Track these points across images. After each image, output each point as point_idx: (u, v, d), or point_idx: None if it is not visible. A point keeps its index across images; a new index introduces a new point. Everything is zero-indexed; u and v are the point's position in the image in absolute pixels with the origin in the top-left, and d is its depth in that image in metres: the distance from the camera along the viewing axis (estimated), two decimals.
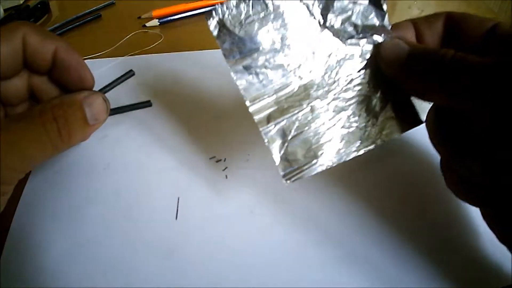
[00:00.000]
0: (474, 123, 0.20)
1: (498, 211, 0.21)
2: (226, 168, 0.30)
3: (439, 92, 0.20)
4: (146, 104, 0.26)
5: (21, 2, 0.53)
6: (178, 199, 0.28)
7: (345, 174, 0.30)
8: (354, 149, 0.22)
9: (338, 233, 0.26)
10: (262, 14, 0.22)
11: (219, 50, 0.22)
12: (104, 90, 0.26)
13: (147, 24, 0.49)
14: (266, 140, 0.22)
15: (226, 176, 0.30)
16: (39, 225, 0.27)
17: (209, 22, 0.21)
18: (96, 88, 0.27)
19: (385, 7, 0.23)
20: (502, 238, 0.22)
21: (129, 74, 0.26)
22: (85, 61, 0.41)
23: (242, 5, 0.22)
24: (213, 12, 0.21)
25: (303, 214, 0.27)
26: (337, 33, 0.23)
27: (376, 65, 0.23)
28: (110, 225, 0.27)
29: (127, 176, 0.30)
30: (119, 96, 0.36)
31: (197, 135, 0.33)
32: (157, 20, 0.49)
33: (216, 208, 0.28)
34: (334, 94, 0.23)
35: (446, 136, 0.22)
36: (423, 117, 0.23)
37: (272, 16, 0.22)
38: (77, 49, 0.26)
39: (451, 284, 0.24)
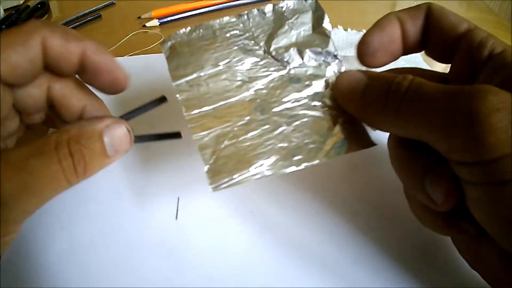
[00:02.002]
0: (436, 152, 0.18)
1: (466, 238, 0.20)
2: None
3: (396, 124, 0.19)
4: (175, 135, 0.24)
5: (21, 2, 0.53)
6: (178, 199, 0.28)
7: (346, 174, 0.30)
8: (294, 162, 0.21)
9: (338, 233, 0.26)
10: (209, 41, 0.24)
11: None
12: (128, 116, 0.23)
13: (147, 24, 0.49)
14: (198, 147, 0.21)
15: None
16: (39, 225, 0.27)
17: (163, 46, 0.24)
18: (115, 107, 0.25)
19: (330, 33, 0.24)
20: (474, 266, 0.21)
21: (160, 101, 0.23)
22: None
23: (194, 34, 0.24)
24: (169, 38, 0.24)
25: (303, 214, 0.27)
26: (281, 59, 0.24)
27: (323, 87, 0.23)
28: (110, 225, 0.27)
29: (127, 176, 0.30)
30: (120, 95, 0.36)
31: None
32: (157, 20, 0.49)
33: (216, 208, 0.28)
34: (276, 111, 0.23)
35: (405, 161, 0.21)
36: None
37: (218, 43, 0.24)
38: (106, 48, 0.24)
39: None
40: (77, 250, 0.26)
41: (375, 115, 0.20)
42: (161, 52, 0.45)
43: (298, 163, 0.21)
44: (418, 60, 0.41)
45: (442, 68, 0.30)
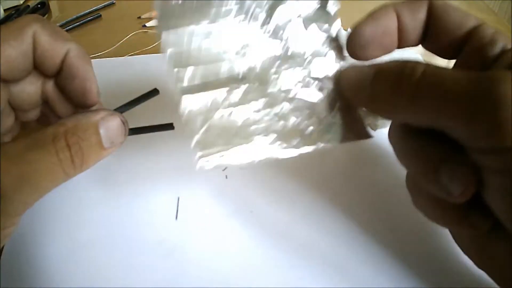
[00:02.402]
0: (450, 140, 0.18)
1: (476, 234, 0.20)
2: (226, 168, 0.30)
3: (410, 112, 0.18)
4: (168, 127, 0.24)
5: (21, 2, 0.53)
6: (178, 199, 0.28)
7: (348, 173, 0.30)
8: (293, 144, 0.20)
9: (339, 233, 0.26)
10: (207, 1, 0.21)
11: None
12: (122, 109, 0.23)
13: (147, 24, 0.49)
14: (184, 113, 0.19)
15: (226, 176, 0.30)
16: (39, 225, 0.27)
17: (156, 3, 0.21)
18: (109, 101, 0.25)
19: (336, 12, 0.22)
20: (480, 264, 0.20)
21: (153, 93, 0.23)
22: None
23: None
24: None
25: (304, 214, 0.27)
26: (282, 31, 0.22)
27: (323, 67, 0.22)
28: (110, 225, 0.27)
29: (127, 176, 0.30)
30: (120, 95, 0.36)
31: None
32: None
33: (216, 208, 0.28)
34: (275, 84, 0.21)
35: (414, 151, 0.20)
36: (373, 132, 0.22)
37: (217, 1, 0.21)
38: (85, 51, 0.24)
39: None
40: (77, 250, 0.26)
41: (387, 103, 0.19)
42: (161, 52, 0.45)
43: (297, 145, 0.20)
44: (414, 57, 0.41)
45: (444, 64, 0.30)
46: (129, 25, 0.49)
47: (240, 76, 0.20)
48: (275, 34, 0.22)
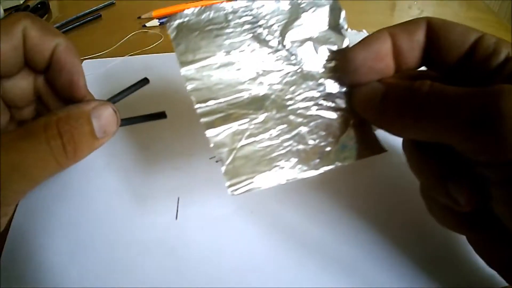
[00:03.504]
0: (457, 153, 0.18)
1: (486, 238, 0.21)
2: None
3: (417, 129, 0.19)
4: (160, 116, 0.24)
5: (21, 2, 0.53)
6: (178, 199, 0.28)
7: (350, 172, 0.30)
8: (312, 166, 0.21)
9: (341, 232, 0.26)
10: (221, 26, 0.22)
11: None
12: (114, 99, 0.23)
13: (147, 24, 0.49)
14: (212, 144, 0.20)
15: None
16: (39, 225, 0.27)
17: (169, 24, 0.22)
18: (103, 93, 0.26)
19: (345, 31, 0.23)
20: (492, 264, 0.21)
21: (143, 82, 0.24)
22: (85, 61, 0.41)
23: (203, 16, 0.22)
24: (175, 16, 0.22)
25: (305, 214, 0.27)
26: (295, 53, 0.23)
27: (336, 88, 0.23)
28: (110, 225, 0.27)
29: (127, 176, 0.30)
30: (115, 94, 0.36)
31: (197, 135, 0.33)
32: (157, 20, 0.49)
33: (216, 208, 0.28)
34: (291, 109, 0.22)
35: (424, 163, 0.21)
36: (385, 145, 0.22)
37: (230, 29, 0.22)
38: (77, 49, 0.24)
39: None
40: (77, 250, 0.26)
41: (395, 121, 0.20)
42: (161, 52, 0.45)
43: (317, 167, 0.21)
44: None
45: None
46: (129, 25, 0.49)
47: (258, 105, 0.21)
48: (288, 59, 0.23)
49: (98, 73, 0.40)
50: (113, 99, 0.23)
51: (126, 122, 0.23)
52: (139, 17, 0.50)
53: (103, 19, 0.51)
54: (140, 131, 0.33)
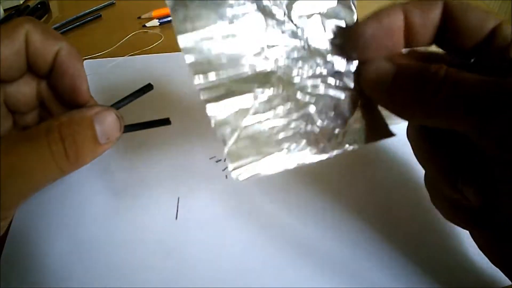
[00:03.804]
0: (468, 144, 0.18)
1: (491, 234, 0.20)
2: (226, 168, 0.30)
3: (430, 115, 0.18)
4: (164, 122, 0.23)
5: (21, 2, 0.53)
6: (178, 199, 0.28)
7: (350, 170, 0.30)
8: (321, 149, 0.19)
9: (341, 231, 0.26)
10: None
11: None
12: (118, 105, 0.23)
13: (147, 24, 0.49)
14: (213, 122, 0.18)
15: (226, 176, 0.30)
16: (39, 225, 0.27)
17: None
18: (105, 97, 0.25)
19: (355, 6, 0.22)
20: (495, 261, 0.21)
21: (147, 88, 0.23)
22: (85, 61, 0.41)
23: None
24: None
25: (305, 214, 0.27)
26: (303, 27, 0.21)
27: (344, 66, 0.21)
28: (110, 225, 0.27)
29: (127, 176, 0.30)
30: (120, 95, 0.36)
31: (197, 135, 0.33)
32: (157, 20, 0.49)
33: (216, 208, 0.28)
34: (299, 87, 0.20)
35: (432, 153, 0.20)
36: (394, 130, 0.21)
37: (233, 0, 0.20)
38: (77, 49, 0.24)
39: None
40: (77, 250, 0.26)
41: (406, 105, 0.19)
42: (161, 52, 0.45)
43: (326, 150, 0.20)
44: None
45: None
46: (129, 25, 0.49)
47: (263, 81, 0.20)
48: (294, 33, 0.21)
49: (98, 73, 0.40)
50: (117, 105, 0.23)
51: (129, 128, 0.23)
52: (139, 17, 0.50)
53: (103, 19, 0.51)
54: (140, 131, 0.33)
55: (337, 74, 0.21)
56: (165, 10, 0.50)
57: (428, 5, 0.20)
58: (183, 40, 0.19)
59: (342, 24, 0.22)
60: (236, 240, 0.26)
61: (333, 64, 0.21)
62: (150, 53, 0.43)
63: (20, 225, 0.27)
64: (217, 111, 0.18)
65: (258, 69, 0.20)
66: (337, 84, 0.21)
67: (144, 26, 0.48)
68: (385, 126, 0.21)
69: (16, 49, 0.21)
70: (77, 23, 0.49)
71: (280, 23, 0.21)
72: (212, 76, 0.19)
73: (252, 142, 0.18)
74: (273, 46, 0.20)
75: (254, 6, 0.20)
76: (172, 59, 0.41)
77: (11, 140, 0.19)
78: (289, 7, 0.21)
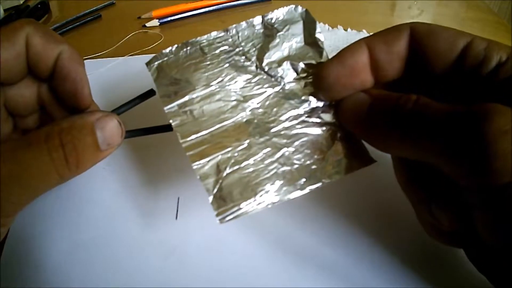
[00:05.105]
0: (442, 175, 0.18)
1: (475, 253, 0.20)
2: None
3: (401, 147, 0.18)
4: (166, 128, 0.23)
5: (21, 2, 0.53)
6: (178, 199, 0.28)
7: (343, 179, 0.30)
8: (298, 187, 0.20)
9: (339, 234, 0.26)
10: (199, 60, 0.23)
11: None
12: (119, 110, 0.23)
13: (147, 24, 0.49)
14: (198, 177, 0.20)
15: None
16: (39, 225, 0.27)
17: (149, 67, 0.23)
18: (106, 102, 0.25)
19: (322, 44, 0.23)
20: (482, 272, 0.21)
21: (149, 94, 0.23)
22: (85, 61, 0.41)
23: (181, 52, 0.23)
24: (154, 59, 0.23)
25: (305, 214, 0.27)
26: (275, 74, 0.23)
27: (321, 103, 0.22)
28: (110, 225, 0.27)
29: (127, 176, 0.30)
30: (120, 95, 0.36)
31: None
32: (157, 20, 0.49)
33: None
34: (274, 132, 0.22)
35: (411, 182, 0.21)
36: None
37: (208, 61, 0.23)
38: (77, 49, 0.24)
39: None
40: (77, 250, 0.26)
41: (380, 137, 0.19)
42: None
43: (303, 187, 0.20)
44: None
45: None
46: (129, 25, 0.49)
47: (242, 131, 0.21)
48: (268, 81, 0.23)
49: (98, 73, 0.40)
50: (118, 110, 0.23)
51: (130, 134, 0.23)
52: (139, 17, 0.50)
53: (103, 19, 0.51)
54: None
55: (314, 111, 0.22)
56: (165, 10, 0.50)
57: (392, 37, 0.20)
58: (167, 108, 0.22)
59: (313, 62, 0.23)
60: (236, 240, 0.26)
61: (309, 102, 0.22)
62: (150, 53, 0.43)
63: (20, 225, 0.27)
64: (201, 165, 0.20)
65: (236, 121, 0.22)
66: (314, 121, 0.22)
67: (144, 26, 0.48)
68: (366, 153, 0.22)
69: (16, 52, 0.21)
70: (77, 23, 0.49)
71: (253, 75, 0.23)
72: (194, 136, 0.21)
73: (233, 189, 0.20)
74: (249, 97, 0.22)
75: (227, 64, 0.23)
76: None
77: (10, 146, 0.18)
78: (260, 59, 0.23)
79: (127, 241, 0.26)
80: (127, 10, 0.52)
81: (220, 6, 0.52)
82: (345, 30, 0.47)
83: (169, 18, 0.49)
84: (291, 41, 0.23)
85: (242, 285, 0.24)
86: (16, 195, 0.18)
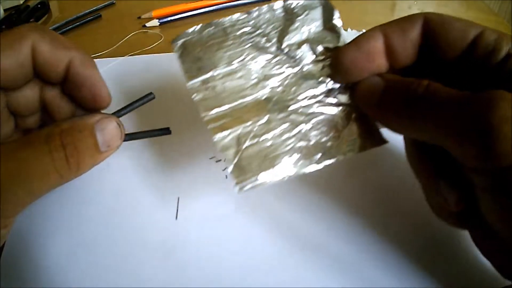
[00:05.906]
0: (451, 156, 0.19)
1: (480, 233, 0.21)
2: (226, 168, 0.30)
3: (412, 128, 0.19)
4: (164, 131, 0.24)
5: (21, 2, 0.53)
6: (178, 199, 0.28)
7: (351, 170, 0.30)
8: (314, 161, 0.21)
9: (342, 231, 0.26)
10: (221, 39, 0.24)
11: None
12: (119, 113, 0.23)
13: (147, 24, 0.49)
14: (219, 148, 0.21)
15: (226, 176, 0.30)
16: (39, 225, 0.27)
17: (173, 44, 0.24)
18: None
19: (340, 29, 0.24)
20: (487, 256, 0.22)
21: (149, 97, 0.24)
22: None
23: (204, 32, 0.24)
24: (179, 36, 0.24)
25: (305, 213, 0.27)
26: (294, 56, 0.24)
27: (338, 84, 0.23)
28: (110, 225, 0.27)
29: (127, 176, 0.30)
30: (120, 95, 0.36)
31: (197, 135, 0.33)
32: (157, 20, 0.49)
33: (216, 208, 0.28)
34: (292, 109, 0.23)
35: (421, 162, 0.22)
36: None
37: (230, 41, 0.24)
38: (93, 60, 0.23)
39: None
40: (77, 251, 0.26)
41: (392, 119, 0.20)
42: (161, 52, 0.45)
43: (319, 161, 0.22)
44: None
45: None
46: (129, 25, 0.49)
47: (261, 108, 0.22)
48: (287, 62, 0.24)
49: None
50: (118, 113, 0.23)
51: (130, 136, 0.23)
52: (139, 17, 0.50)
53: (103, 19, 0.51)
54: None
55: (330, 92, 0.23)
56: (165, 10, 0.50)
57: (407, 25, 0.21)
58: (191, 84, 0.23)
59: (331, 46, 0.24)
60: (236, 240, 0.26)
61: (326, 83, 0.23)
62: (150, 53, 0.43)
63: (20, 225, 0.27)
64: (222, 137, 0.21)
65: (256, 98, 0.23)
66: (331, 101, 0.23)
67: (144, 26, 0.48)
68: (379, 134, 0.23)
69: (19, 61, 0.21)
70: (77, 23, 0.49)
71: (273, 55, 0.24)
72: (216, 110, 0.22)
73: (252, 161, 0.21)
74: (269, 76, 0.23)
75: (249, 44, 0.24)
76: (172, 59, 0.41)
77: (11, 147, 0.18)
78: (280, 40, 0.24)
79: (127, 241, 0.26)
80: (127, 10, 0.52)
81: (220, 6, 0.52)
82: (345, 30, 0.47)
83: (169, 18, 0.49)
84: (310, 25, 0.24)
85: (242, 285, 0.24)
86: (17, 195, 0.18)
